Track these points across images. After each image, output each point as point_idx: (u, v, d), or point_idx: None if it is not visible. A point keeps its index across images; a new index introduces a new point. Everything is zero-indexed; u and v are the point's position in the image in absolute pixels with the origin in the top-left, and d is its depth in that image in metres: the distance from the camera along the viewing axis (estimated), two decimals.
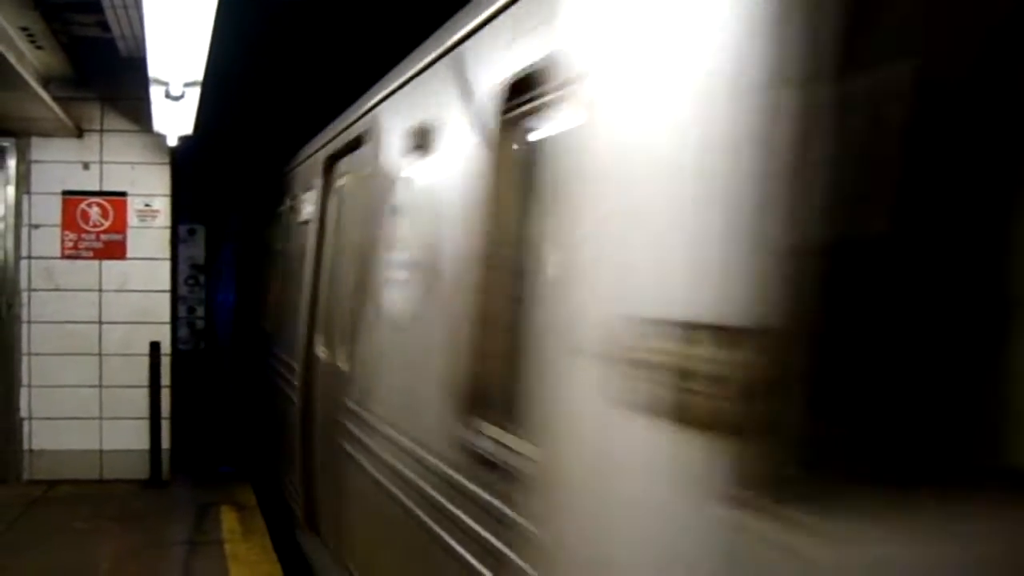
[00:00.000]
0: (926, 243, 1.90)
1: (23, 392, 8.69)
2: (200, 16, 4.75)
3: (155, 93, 6.63)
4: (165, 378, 8.81)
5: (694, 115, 1.95)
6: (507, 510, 2.85)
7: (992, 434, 1.95)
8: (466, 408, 3.29)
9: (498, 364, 3.17)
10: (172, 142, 8.46)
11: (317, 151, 6.97)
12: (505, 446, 2.97)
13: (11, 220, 8.67)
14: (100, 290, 8.79)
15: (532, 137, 3.17)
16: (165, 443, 8.79)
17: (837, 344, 1.80)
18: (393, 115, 4.81)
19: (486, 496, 3.05)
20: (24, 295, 8.69)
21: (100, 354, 8.78)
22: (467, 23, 3.64)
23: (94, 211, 8.77)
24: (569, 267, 2.42)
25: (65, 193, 8.75)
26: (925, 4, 1.88)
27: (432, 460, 3.63)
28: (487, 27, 3.44)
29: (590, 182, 2.35)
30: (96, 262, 8.78)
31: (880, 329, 1.88)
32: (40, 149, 8.72)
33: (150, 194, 8.86)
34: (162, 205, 8.90)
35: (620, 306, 2.16)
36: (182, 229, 12.11)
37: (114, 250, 8.81)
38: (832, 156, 1.72)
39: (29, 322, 8.70)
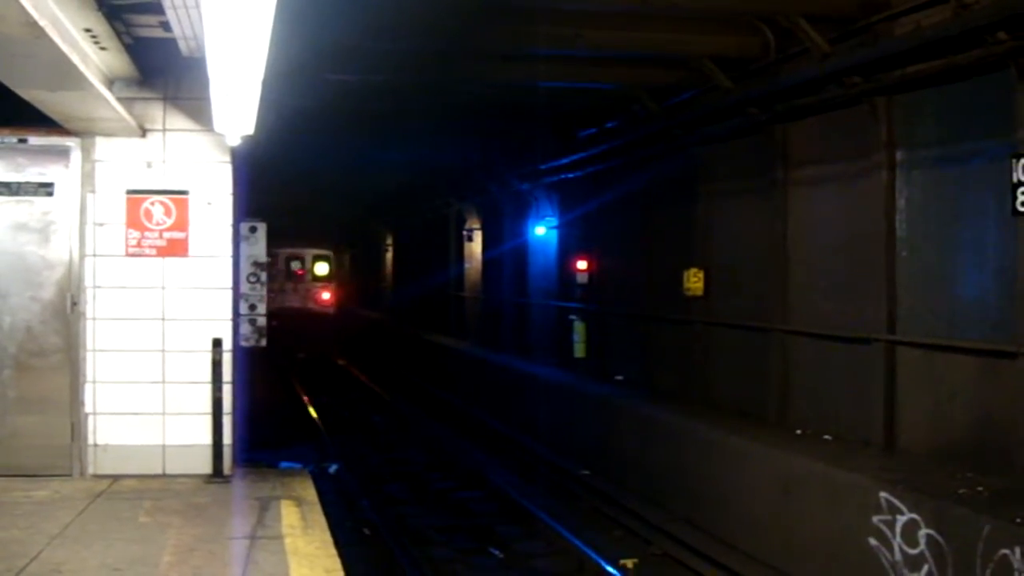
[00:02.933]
0: None
1: (88, 388, 8.83)
2: (260, 16, 4.78)
3: (216, 93, 6.70)
4: (227, 374, 8.90)
5: None
6: None
7: None
8: None
9: None
10: (233, 142, 8.54)
11: None
12: None
13: (76, 218, 8.81)
14: (163, 287, 8.90)
15: None
16: (227, 438, 8.87)
17: None
18: None
19: None
20: (89, 292, 8.83)
21: (163, 350, 8.89)
22: None
23: (157, 209, 8.88)
24: None
25: (129, 192, 8.88)
26: None
27: None
28: None
29: None
30: (159, 259, 8.89)
31: None
32: (104, 148, 8.85)
33: (212, 192, 8.96)
34: (224, 203, 9.00)
35: None
36: (243, 227, 12.19)
37: (177, 248, 8.92)
38: None
39: (94, 319, 8.83)
